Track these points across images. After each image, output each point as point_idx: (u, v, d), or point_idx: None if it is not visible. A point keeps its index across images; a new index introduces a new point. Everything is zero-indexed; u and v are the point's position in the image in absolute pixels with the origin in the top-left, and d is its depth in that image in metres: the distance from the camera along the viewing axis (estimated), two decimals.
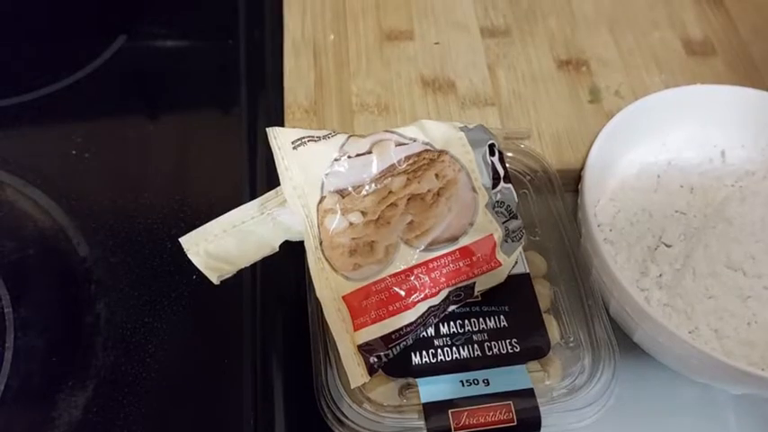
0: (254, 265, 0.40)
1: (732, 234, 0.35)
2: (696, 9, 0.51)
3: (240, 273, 0.40)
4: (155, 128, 0.46)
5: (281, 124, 0.44)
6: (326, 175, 0.31)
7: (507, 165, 0.33)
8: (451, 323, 0.33)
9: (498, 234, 0.31)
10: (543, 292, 0.35)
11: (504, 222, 0.31)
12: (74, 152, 0.44)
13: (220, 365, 0.37)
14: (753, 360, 0.34)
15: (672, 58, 0.48)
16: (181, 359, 0.36)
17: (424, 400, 0.30)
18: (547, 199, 0.38)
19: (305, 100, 0.45)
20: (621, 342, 0.33)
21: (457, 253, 0.30)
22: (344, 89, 0.45)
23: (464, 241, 0.30)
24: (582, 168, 0.39)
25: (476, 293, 0.33)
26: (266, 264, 0.39)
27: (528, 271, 0.35)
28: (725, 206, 0.35)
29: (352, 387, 0.30)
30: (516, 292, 0.34)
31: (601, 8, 0.51)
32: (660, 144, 0.41)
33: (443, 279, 0.30)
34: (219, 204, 0.33)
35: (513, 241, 0.32)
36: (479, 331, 0.32)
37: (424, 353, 0.32)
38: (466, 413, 0.29)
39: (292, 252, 0.33)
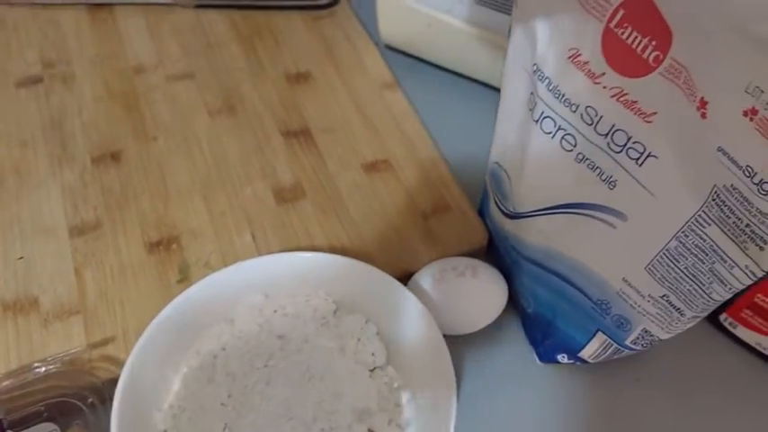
0: None
1: (261, 421, 0.36)
2: (287, 152, 0.54)
3: None
4: None
5: None
6: None
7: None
8: None
9: None
10: None
11: None
12: None
13: None
14: None
15: (262, 211, 0.50)
16: None
17: None
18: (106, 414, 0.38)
19: None
20: None
21: None
22: None
23: None
24: None
25: None
26: None
27: None
28: (252, 393, 0.37)
29: None
30: None
31: (195, 176, 0.52)
32: (229, 322, 0.42)
33: None
34: None
35: None
36: None
37: None
38: None
39: None
